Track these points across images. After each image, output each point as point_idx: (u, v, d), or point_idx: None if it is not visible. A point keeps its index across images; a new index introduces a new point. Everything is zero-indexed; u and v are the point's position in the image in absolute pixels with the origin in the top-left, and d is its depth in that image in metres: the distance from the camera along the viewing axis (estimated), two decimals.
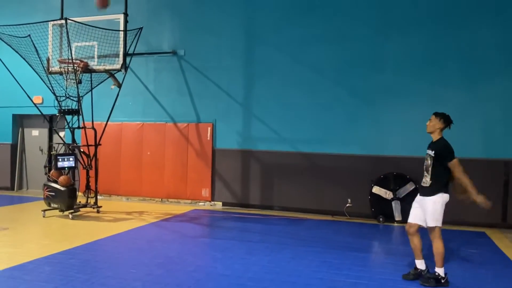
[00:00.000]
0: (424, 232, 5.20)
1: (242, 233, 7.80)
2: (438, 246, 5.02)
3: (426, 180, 5.11)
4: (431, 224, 5.03)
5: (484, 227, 8.59)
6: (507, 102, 8.75)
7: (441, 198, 5.00)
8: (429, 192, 5.05)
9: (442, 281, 5.03)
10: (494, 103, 8.79)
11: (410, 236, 5.25)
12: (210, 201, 10.72)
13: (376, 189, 9.10)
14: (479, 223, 8.67)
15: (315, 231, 8.09)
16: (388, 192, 9.00)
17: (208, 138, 10.71)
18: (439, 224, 5.01)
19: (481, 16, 8.88)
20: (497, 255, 6.67)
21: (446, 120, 5.18)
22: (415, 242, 5.20)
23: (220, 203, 10.65)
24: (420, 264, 5.23)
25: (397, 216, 8.92)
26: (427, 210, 5.04)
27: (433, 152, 5.09)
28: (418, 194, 5.26)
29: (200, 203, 10.78)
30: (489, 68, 8.82)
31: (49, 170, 9.14)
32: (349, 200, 9.52)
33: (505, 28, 8.74)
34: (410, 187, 8.90)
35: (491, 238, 7.79)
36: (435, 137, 5.21)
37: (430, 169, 5.08)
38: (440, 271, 5.04)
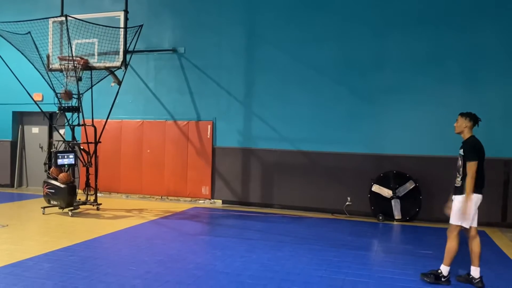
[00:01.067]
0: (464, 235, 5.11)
1: (242, 231, 7.80)
2: (451, 245, 5.01)
3: (457, 180, 5.10)
4: (452, 221, 5.03)
5: (484, 226, 8.56)
6: (507, 101, 8.74)
7: (470, 198, 4.92)
8: (458, 191, 5.03)
9: (443, 279, 5.03)
10: (494, 102, 8.78)
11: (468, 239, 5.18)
12: (210, 199, 10.73)
13: (376, 188, 9.10)
14: (478, 222, 8.63)
15: (315, 229, 8.10)
16: (388, 190, 9.00)
17: (208, 136, 10.71)
18: (462, 224, 4.93)
19: (482, 15, 8.86)
20: (496, 254, 6.67)
21: (473, 118, 5.19)
22: (472, 246, 5.11)
23: (220, 201, 10.65)
24: (474, 271, 5.08)
25: (397, 215, 8.93)
26: (453, 207, 5.04)
27: (462, 151, 5.10)
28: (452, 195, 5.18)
29: (200, 201, 10.78)
30: (489, 67, 8.81)
31: (49, 167, 9.15)
32: (348, 198, 9.53)
33: (506, 27, 8.72)
34: (410, 185, 8.90)
35: (490, 237, 7.80)
36: (465, 136, 5.20)
37: (461, 169, 5.06)
38: (444, 269, 5.05)
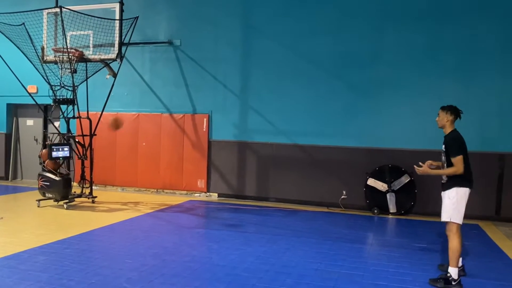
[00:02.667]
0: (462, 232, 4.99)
1: (237, 224, 7.81)
2: (453, 244, 4.80)
3: (443, 177, 5.00)
4: (443, 218, 4.89)
5: (478, 219, 8.65)
6: (502, 96, 8.76)
7: (456, 193, 4.84)
8: (446, 186, 4.93)
9: (453, 283, 4.72)
10: (490, 96, 8.80)
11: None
12: (205, 192, 10.73)
13: (371, 181, 9.13)
14: (472, 215, 8.69)
15: (310, 223, 8.12)
16: (383, 184, 9.03)
17: (204, 129, 10.68)
18: (454, 220, 4.81)
19: (478, 10, 8.85)
20: (490, 247, 6.73)
21: (454, 111, 5.03)
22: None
23: (216, 194, 10.66)
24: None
25: (392, 208, 8.97)
26: (443, 204, 4.93)
27: (445, 146, 4.98)
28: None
29: (196, 194, 10.78)
30: (485, 62, 8.82)
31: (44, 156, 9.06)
32: (344, 192, 9.55)
33: (502, 22, 8.73)
34: (405, 179, 8.94)
35: (484, 230, 7.86)
36: (447, 130, 5.05)
37: (445, 165, 4.97)
38: (452, 271, 4.77)
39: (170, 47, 10.95)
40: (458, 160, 4.81)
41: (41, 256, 5.50)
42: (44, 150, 8.96)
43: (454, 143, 4.89)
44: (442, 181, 5.04)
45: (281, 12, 10.08)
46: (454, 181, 4.88)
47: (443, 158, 5.06)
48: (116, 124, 9.81)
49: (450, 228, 4.88)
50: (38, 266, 5.11)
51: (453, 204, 4.84)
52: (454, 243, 4.81)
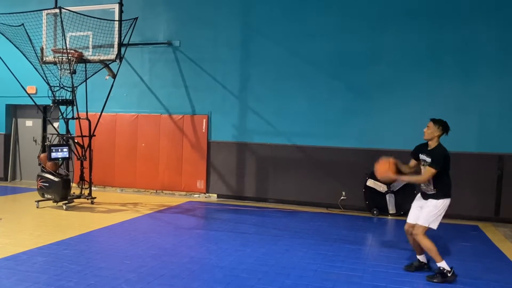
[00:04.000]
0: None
1: (236, 225, 7.80)
2: (425, 244, 5.02)
3: (430, 188, 5.06)
4: (421, 222, 5.03)
5: (477, 220, 8.65)
6: (502, 97, 8.77)
7: (443, 203, 5.00)
8: (434, 196, 5.03)
9: (449, 274, 4.98)
10: (489, 97, 8.81)
11: (408, 235, 5.28)
12: (205, 193, 10.72)
13: (370, 182, 9.13)
14: (472, 216, 8.74)
15: (310, 224, 8.12)
16: (382, 185, 9.02)
17: (203, 130, 10.68)
18: (432, 226, 5.00)
19: (478, 11, 8.86)
20: (489, 248, 6.72)
21: (444, 128, 5.08)
22: (413, 240, 5.23)
23: (215, 195, 10.65)
24: (422, 258, 5.32)
25: (391, 209, 8.97)
26: (426, 210, 5.04)
27: (429, 158, 5.02)
28: (420, 196, 5.22)
29: (195, 195, 10.77)
30: (485, 62, 8.82)
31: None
32: (343, 193, 9.55)
33: (502, 23, 8.73)
34: None
35: (484, 231, 7.86)
36: (433, 144, 5.10)
37: (431, 179, 5.00)
38: (442, 264, 5.00)
39: (169, 48, 10.95)
40: (429, 170, 4.95)
41: (40, 257, 5.49)
42: (43, 154, 8.92)
43: (441, 159, 4.96)
44: (428, 192, 5.10)
45: (280, 13, 10.08)
46: (443, 192, 5.03)
47: (423, 169, 5.11)
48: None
49: (419, 231, 5.03)
50: (37, 267, 5.10)
51: (437, 213, 5.01)
52: (427, 243, 5.01)
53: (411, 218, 5.22)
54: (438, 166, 4.93)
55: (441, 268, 5.01)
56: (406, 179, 5.23)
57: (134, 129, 11.19)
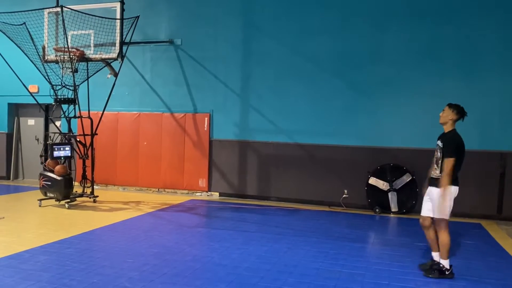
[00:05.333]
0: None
1: (239, 223, 7.80)
2: (443, 238, 4.98)
3: (436, 173, 5.04)
4: (436, 215, 5.00)
5: (480, 218, 8.64)
6: (504, 95, 8.75)
7: (451, 191, 4.91)
8: (437, 183, 4.97)
9: (447, 272, 5.02)
10: (492, 95, 8.78)
11: (424, 229, 5.23)
12: (207, 192, 10.72)
13: (372, 180, 9.12)
14: (474, 214, 8.73)
15: (312, 222, 8.11)
16: (384, 183, 9.02)
17: (205, 129, 10.68)
18: (445, 216, 4.94)
19: (480, 8, 8.83)
20: (492, 246, 6.71)
21: (460, 112, 5.04)
22: (430, 235, 5.19)
23: (217, 193, 10.65)
24: (436, 256, 5.20)
25: (393, 207, 8.96)
26: (434, 202, 5.01)
27: (442, 144, 5.00)
28: (428, 186, 5.18)
29: (197, 194, 10.78)
30: (487, 60, 8.80)
31: (45, 159, 9.11)
32: (345, 191, 9.54)
33: (503, 21, 8.70)
34: (406, 178, 8.93)
35: (486, 229, 7.84)
36: (447, 128, 5.07)
37: (440, 162, 4.98)
38: (444, 263, 5.03)
39: (171, 46, 10.94)
40: (448, 162, 4.86)
41: (43, 255, 5.50)
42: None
43: (451, 144, 4.91)
44: (433, 176, 5.06)
45: (282, 11, 10.06)
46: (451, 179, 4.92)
47: (438, 154, 5.05)
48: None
49: (439, 223, 5.00)
50: (40, 266, 5.11)
51: (446, 204, 4.92)
52: (445, 237, 4.99)
53: (424, 211, 5.18)
54: (452, 154, 4.84)
55: (441, 265, 5.04)
56: (444, 183, 4.85)
57: (136, 128, 11.20)
